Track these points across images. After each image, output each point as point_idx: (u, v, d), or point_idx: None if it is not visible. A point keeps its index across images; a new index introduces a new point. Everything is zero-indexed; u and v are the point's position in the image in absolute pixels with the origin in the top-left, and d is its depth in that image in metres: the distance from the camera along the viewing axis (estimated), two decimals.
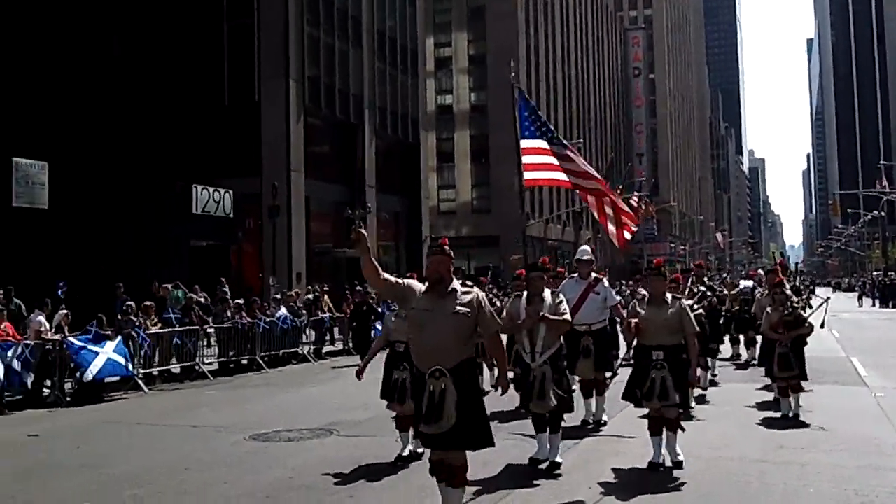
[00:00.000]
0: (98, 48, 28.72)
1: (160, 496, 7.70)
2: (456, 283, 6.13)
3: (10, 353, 13.76)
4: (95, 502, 7.51)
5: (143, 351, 16.29)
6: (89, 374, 14.61)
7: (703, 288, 14.91)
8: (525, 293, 8.61)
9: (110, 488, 7.98)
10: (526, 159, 10.01)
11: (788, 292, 12.17)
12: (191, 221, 28.53)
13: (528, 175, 10.10)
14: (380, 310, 19.56)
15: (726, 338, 17.70)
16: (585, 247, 11.65)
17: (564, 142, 10.00)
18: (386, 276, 6.18)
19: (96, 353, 14.92)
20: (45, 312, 15.44)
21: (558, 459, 8.32)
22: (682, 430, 8.33)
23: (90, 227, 24.34)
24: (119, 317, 16.88)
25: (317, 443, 10.07)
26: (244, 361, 19.25)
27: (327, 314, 23.30)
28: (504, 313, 8.90)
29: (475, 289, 6.23)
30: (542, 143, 9.94)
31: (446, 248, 6.21)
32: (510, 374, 7.03)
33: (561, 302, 8.43)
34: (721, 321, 16.49)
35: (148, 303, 17.96)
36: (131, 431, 11.57)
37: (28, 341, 14.31)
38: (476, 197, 65.19)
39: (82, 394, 14.79)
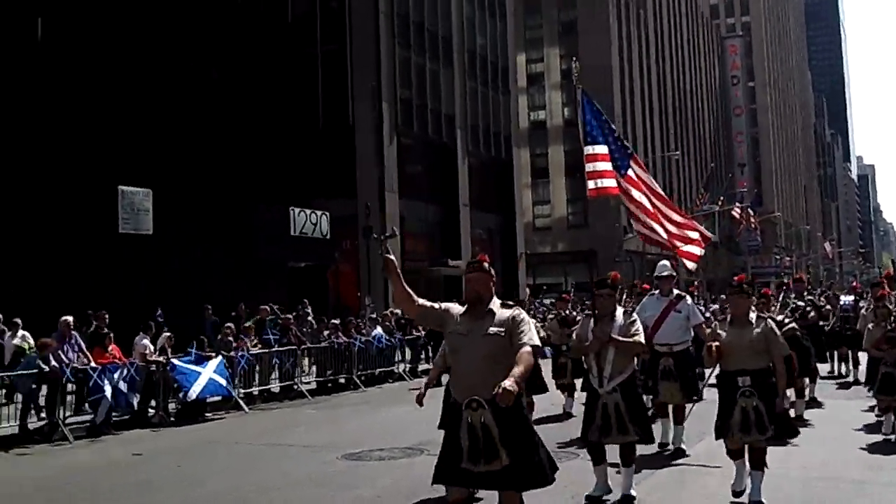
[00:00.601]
0: (198, 77, 29.67)
1: None
2: (495, 304, 5.64)
3: (116, 375, 14.28)
4: None
5: (242, 370, 16.73)
6: (192, 395, 15.05)
7: (801, 303, 14.47)
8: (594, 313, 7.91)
9: None
10: (589, 167, 9.60)
11: (891, 307, 11.72)
12: (289, 243, 29.18)
13: (591, 184, 9.75)
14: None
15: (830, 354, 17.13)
16: (665, 262, 11.02)
17: (628, 146, 9.58)
18: (420, 301, 5.76)
19: (198, 374, 15.36)
20: (150, 335, 16.01)
21: (632, 493, 7.64)
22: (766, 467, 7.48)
23: (192, 251, 25.11)
24: (218, 337, 17.40)
25: (406, 462, 10.15)
26: (342, 380, 19.57)
27: (422, 332, 23.51)
28: (574, 335, 8.35)
29: (516, 308, 5.67)
30: (603, 149, 9.44)
31: (486, 264, 5.75)
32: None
33: (633, 322, 7.72)
34: (823, 338, 15.83)
35: (248, 323, 18.48)
36: (229, 450, 11.89)
37: (134, 363, 14.87)
38: (571, 212, 64.79)
39: (185, 413, 15.26)
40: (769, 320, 7.76)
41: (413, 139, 39.07)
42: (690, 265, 10.52)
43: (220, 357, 16.01)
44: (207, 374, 15.51)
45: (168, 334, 16.39)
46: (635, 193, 9.63)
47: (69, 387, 14.25)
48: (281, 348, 18.20)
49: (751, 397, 7.26)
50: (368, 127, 35.68)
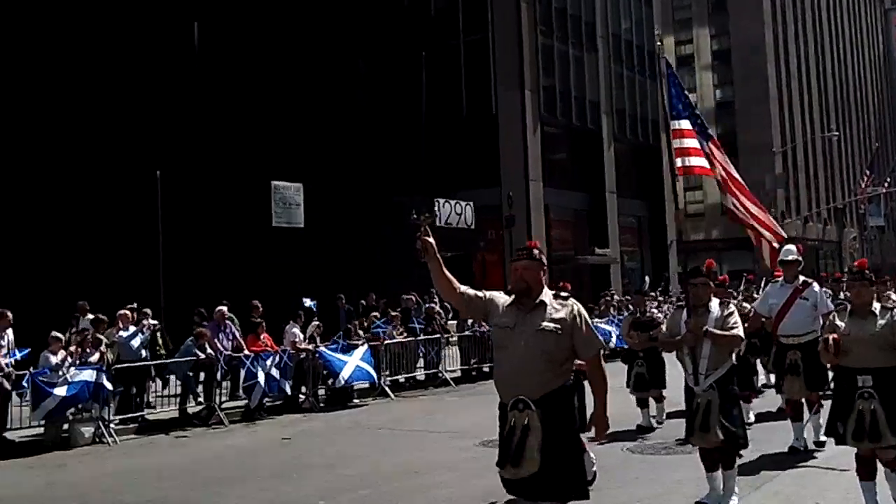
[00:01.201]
0: (346, 71, 30.46)
1: (385, 496, 8.18)
2: (547, 295, 5.12)
3: (269, 362, 14.94)
4: (329, 501, 8.06)
5: (388, 358, 17.20)
6: (340, 381, 15.57)
7: None
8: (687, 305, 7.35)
9: (344, 488, 8.55)
10: (676, 143, 9.04)
11: None
12: (434, 234, 29.59)
13: (684, 161, 9.15)
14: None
15: None
16: (791, 246, 10.26)
17: (707, 127, 8.94)
18: (463, 288, 5.30)
19: (345, 362, 15.88)
20: (299, 324, 16.64)
21: (732, 502, 7.08)
22: None
23: (341, 243, 25.87)
24: (366, 324, 17.96)
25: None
26: (485, 369, 19.76)
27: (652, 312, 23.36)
28: (664, 327, 7.81)
29: (572, 301, 5.19)
30: (687, 125, 8.91)
31: (535, 251, 5.26)
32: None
33: (731, 314, 7.11)
34: None
35: (394, 312, 18.94)
36: (373, 435, 12.28)
37: (285, 350, 15.51)
38: None
39: (334, 399, 15.81)
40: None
41: (557, 127, 38.87)
42: (767, 259, 9.56)
43: (365, 345, 16.48)
44: (354, 361, 15.99)
45: (317, 323, 17.00)
46: (725, 174, 9.16)
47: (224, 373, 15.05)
48: (426, 336, 18.57)
49: (870, 399, 6.42)
50: (512, 116, 35.73)
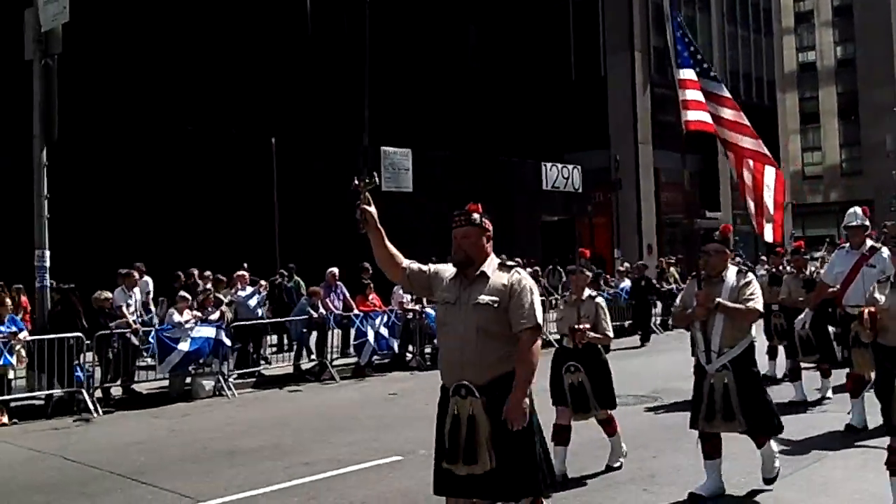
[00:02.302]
0: (456, 37, 30.71)
1: None
2: (491, 265, 4.61)
3: (377, 321, 15.55)
4: (430, 450, 8.50)
5: None
6: None
7: None
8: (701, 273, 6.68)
9: None
10: (682, 94, 7.79)
11: None
12: (541, 197, 29.77)
13: (687, 115, 7.89)
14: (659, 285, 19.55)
15: None
16: (856, 209, 9.31)
17: (718, 77, 7.72)
18: (406, 263, 4.82)
19: None
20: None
21: (777, 468, 6.63)
22: None
23: (447, 208, 26.32)
24: None
25: (639, 409, 10.50)
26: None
27: (672, 286, 23.33)
28: (678, 300, 7.24)
29: (518, 270, 4.65)
30: (692, 75, 7.71)
31: (475, 216, 4.66)
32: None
33: (748, 283, 6.38)
34: None
35: (693, 273, 19.34)
36: None
37: (393, 310, 16.08)
38: (845, 159, 60.65)
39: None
40: None
41: (668, 88, 38.21)
42: (769, 235, 8.30)
43: None
44: None
45: None
46: (728, 134, 7.81)
47: (336, 332, 15.74)
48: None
49: None
50: (621, 78, 35.38)
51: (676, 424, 9.06)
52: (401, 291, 16.74)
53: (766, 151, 7.61)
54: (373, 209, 4.72)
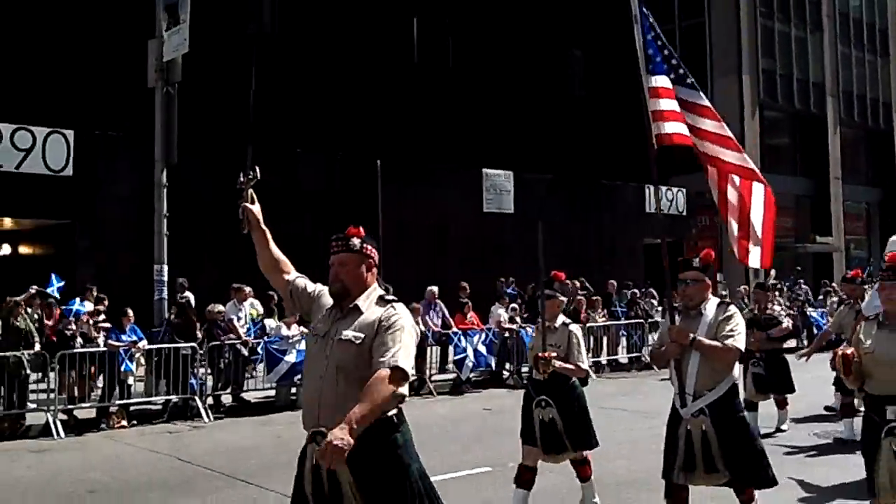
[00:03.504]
0: (560, 60, 30.99)
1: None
2: (367, 298, 4.05)
3: (476, 339, 15.95)
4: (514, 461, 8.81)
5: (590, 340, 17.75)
6: None
7: None
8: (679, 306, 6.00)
9: None
10: (653, 105, 6.62)
11: None
12: (644, 220, 29.70)
13: (661, 128, 6.57)
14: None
15: None
16: None
17: (695, 85, 6.69)
18: (293, 276, 4.38)
19: None
20: (504, 305, 17.51)
21: None
22: None
23: (551, 231, 26.57)
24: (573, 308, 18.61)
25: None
26: None
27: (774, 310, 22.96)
28: (657, 335, 6.59)
29: (394, 306, 4.01)
30: (667, 83, 6.63)
31: (354, 240, 4.14)
32: None
33: (729, 318, 5.59)
34: None
35: (595, 297, 19.46)
36: None
37: (491, 328, 16.44)
38: None
39: None
40: None
41: (778, 111, 37.66)
42: (755, 261, 6.92)
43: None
44: None
45: (515, 305, 17.82)
46: (709, 147, 6.68)
47: (435, 349, 16.17)
48: (628, 321, 18.96)
49: None
50: (729, 101, 34.99)
51: None
52: (500, 311, 17.09)
53: (753, 166, 6.73)
54: (256, 207, 4.38)
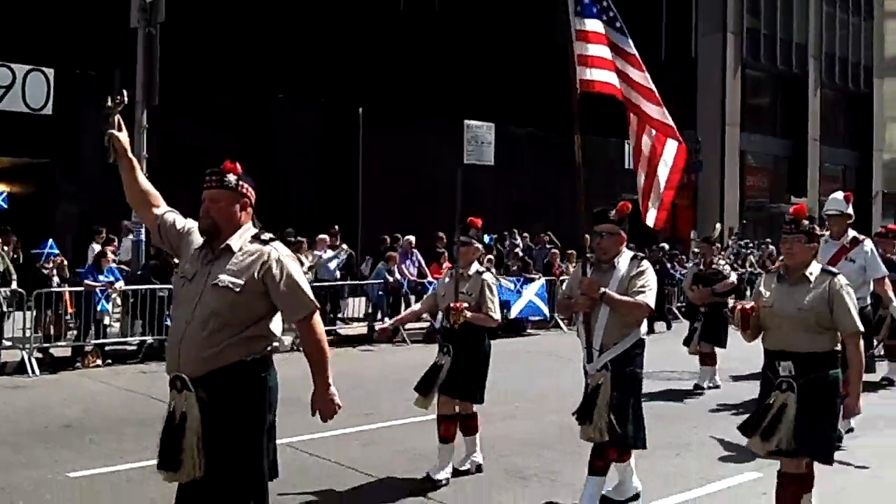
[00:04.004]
0: (543, 13, 30.87)
1: (533, 410, 9.16)
2: (241, 238, 3.87)
3: None
4: (484, 408, 9.06)
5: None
6: (512, 313, 16.59)
7: None
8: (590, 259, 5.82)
9: (501, 399, 9.53)
10: (580, 48, 6.18)
11: None
12: (623, 175, 29.87)
13: (584, 74, 6.22)
14: (674, 271, 19.54)
15: None
16: (838, 194, 8.47)
17: (625, 31, 6.26)
18: (162, 210, 4.14)
19: (520, 294, 16.85)
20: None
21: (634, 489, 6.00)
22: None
23: (526, 182, 26.77)
24: (545, 260, 18.89)
25: (678, 388, 10.95)
26: (675, 309, 20.27)
27: (747, 269, 23.38)
28: (564, 286, 6.68)
29: (275, 246, 3.87)
30: (598, 27, 6.17)
31: (230, 176, 3.93)
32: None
33: (642, 273, 5.53)
34: None
35: (570, 250, 19.72)
36: (537, 360, 13.25)
37: None
38: None
39: (508, 328, 16.82)
40: (839, 278, 5.09)
41: (760, 70, 37.79)
42: (650, 220, 6.64)
43: (541, 280, 17.37)
44: (528, 295, 16.94)
45: (490, 256, 18.03)
46: (634, 96, 6.37)
47: (411, 298, 16.40)
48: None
49: (786, 392, 4.95)
50: (712, 59, 35.11)
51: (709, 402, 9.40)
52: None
53: (671, 123, 6.41)
54: (124, 135, 4.09)
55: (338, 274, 16.09)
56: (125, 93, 4.20)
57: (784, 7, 38.30)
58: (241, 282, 3.74)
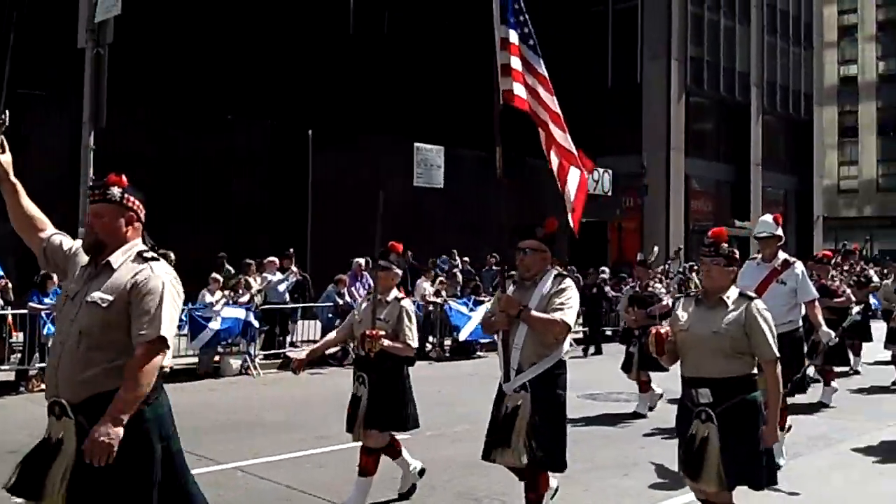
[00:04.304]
0: (490, 39, 31.29)
1: (482, 432, 9.16)
2: (122, 254, 3.72)
3: None
4: (434, 431, 9.09)
5: None
6: (462, 335, 16.69)
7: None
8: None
9: (453, 422, 9.63)
10: (503, 58, 6.07)
11: None
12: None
13: (510, 85, 6.07)
14: (611, 292, 19.61)
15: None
16: (767, 217, 8.35)
17: (538, 50, 6.18)
18: (49, 233, 3.96)
19: (469, 317, 16.95)
20: (429, 279, 17.81)
21: None
22: None
23: (479, 206, 26.95)
24: (495, 283, 18.98)
25: (623, 405, 11.09)
26: (608, 332, 20.39)
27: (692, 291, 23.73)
28: (489, 304, 6.46)
29: (153, 265, 3.67)
30: (515, 38, 6.09)
31: (114, 189, 3.78)
32: None
33: (563, 290, 5.30)
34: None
35: (513, 272, 19.89)
36: (484, 383, 13.23)
37: (416, 302, 16.72)
38: (882, 174, 60.49)
39: (458, 350, 16.94)
40: (756, 303, 4.97)
41: (704, 97, 38.58)
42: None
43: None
44: (478, 318, 16.99)
45: (441, 278, 18.14)
46: (543, 114, 6.26)
47: None
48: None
49: (707, 423, 4.77)
50: (657, 85, 35.77)
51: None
52: (425, 284, 17.40)
53: (575, 150, 6.24)
54: (6, 157, 3.90)
55: (287, 297, 16.04)
56: (7, 112, 4.01)
57: (727, 36, 39.20)
58: (110, 298, 3.56)
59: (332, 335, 7.16)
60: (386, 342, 6.16)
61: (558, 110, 6.20)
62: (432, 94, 27.45)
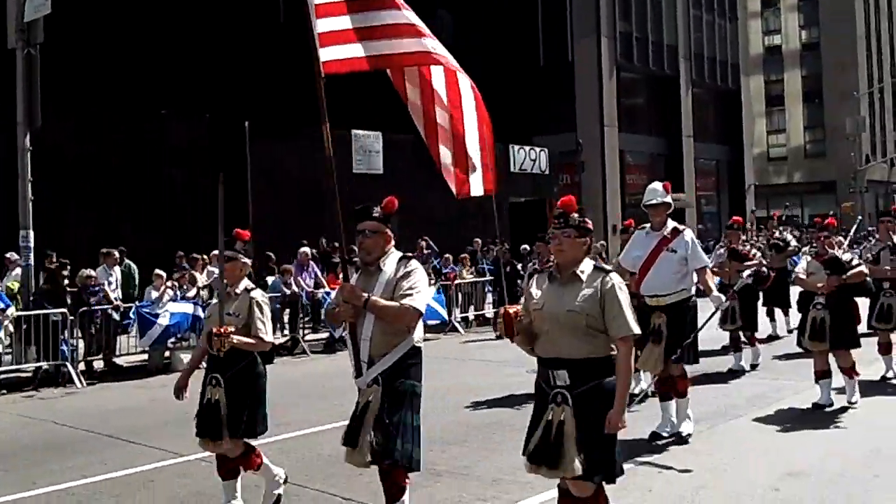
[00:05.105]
0: (427, 23, 31.38)
1: (435, 409, 9.46)
2: None
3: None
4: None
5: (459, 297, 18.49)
6: None
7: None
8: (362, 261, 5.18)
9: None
10: (321, 25, 5.39)
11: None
12: (509, 179, 30.57)
13: (331, 53, 5.39)
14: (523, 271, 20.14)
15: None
16: (656, 184, 8.00)
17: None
18: None
19: None
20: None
21: None
22: None
23: (418, 190, 27.11)
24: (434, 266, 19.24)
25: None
26: None
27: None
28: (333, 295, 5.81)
29: None
30: None
31: None
32: None
33: (409, 274, 4.94)
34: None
35: (463, 255, 20.17)
36: (437, 363, 13.50)
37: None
38: (809, 140, 62.11)
39: None
40: (612, 275, 4.55)
41: (634, 72, 39.21)
42: (477, 189, 5.91)
43: (436, 285, 17.74)
44: None
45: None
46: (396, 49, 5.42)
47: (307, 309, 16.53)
48: (491, 277, 19.77)
49: (561, 406, 4.41)
50: (588, 63, 36.24)
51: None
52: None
53: (447, 54, 5.51)
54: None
55: None
56: None
57: (654, 11, 39.82)
58: None
59: (199, 346, 6.57)
60: (236, 338, 5.60)
61: (415, 21, 5.44)
62: (367, 80, 27.47)
